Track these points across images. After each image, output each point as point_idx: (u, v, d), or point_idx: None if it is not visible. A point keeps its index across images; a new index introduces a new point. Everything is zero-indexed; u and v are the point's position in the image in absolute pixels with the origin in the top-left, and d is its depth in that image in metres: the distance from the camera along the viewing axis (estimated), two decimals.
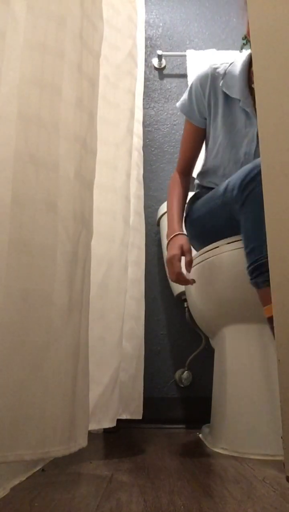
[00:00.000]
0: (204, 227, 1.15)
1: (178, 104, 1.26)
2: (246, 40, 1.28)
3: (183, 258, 1.22)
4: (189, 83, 1.76)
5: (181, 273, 1.06)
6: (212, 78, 1.16)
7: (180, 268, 1.06)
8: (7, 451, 0.53)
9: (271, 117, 0.64)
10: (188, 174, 1.32)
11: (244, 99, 1.10)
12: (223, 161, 1.17)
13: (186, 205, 1.28)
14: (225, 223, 1.05)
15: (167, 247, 1.14)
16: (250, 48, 0.99)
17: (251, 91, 1.11)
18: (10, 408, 0.53)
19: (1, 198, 0.58)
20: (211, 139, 1.21)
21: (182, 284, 1.09)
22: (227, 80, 1.13)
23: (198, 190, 1.27)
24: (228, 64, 1.15)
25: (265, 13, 0.67)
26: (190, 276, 1.17)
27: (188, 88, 1.22)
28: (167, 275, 1.15)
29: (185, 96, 1.23)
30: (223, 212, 1.05)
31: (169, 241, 1.14)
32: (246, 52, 1.18)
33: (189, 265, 1.06)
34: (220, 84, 1.14)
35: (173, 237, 1.13)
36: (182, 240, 1.10)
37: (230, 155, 1.15)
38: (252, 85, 1.11)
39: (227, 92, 1.13)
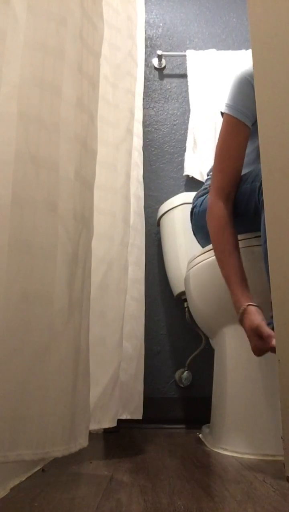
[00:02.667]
0: None
1: (223, 108, 1.06)
2: None
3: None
4: (190, 83, 1.77)
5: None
6: None
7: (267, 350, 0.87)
8: (8, 451, 0.53)
9: (271, 117, 0.64)
10: (232, 200, 1.03)
11: None
12: (250, 165, 1.12)
13: (194, 197, 1.26)
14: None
15: (243, 321, 0.91)
16: None
17: None
18: (10, 408, 0.53)
19: (1, 198, 0.58)
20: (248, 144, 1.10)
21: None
22: None
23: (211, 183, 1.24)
24: None
25: (265, 13, 0.67)
26: (193, 277, 1.14)
27: (236, 85, 1.05)
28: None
29: (231, 95, 1.05)
30: (236, 205, 1.04)
31: (239, 320, 0.92)
32: None
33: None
34: None
35: (241, 318, 0.92)
36: (253, 322, 0.88)
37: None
38: None
39: None
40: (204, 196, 1.20)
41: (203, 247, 1.24)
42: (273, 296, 0.64)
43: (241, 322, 0.92)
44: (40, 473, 0.77)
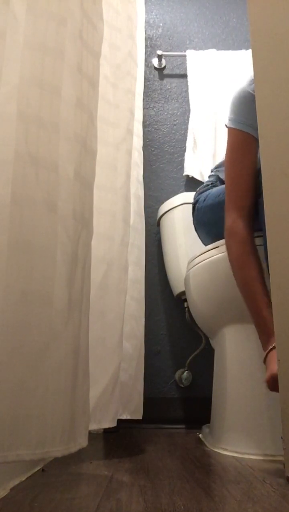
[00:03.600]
0: (217, 215, 1.05)
1: (228, 122, 1.03)
2: None
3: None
4: (190, 83, 1.77)
5: None
6: None
7: None
8: (7, 451, 0.53)
9: (271, 117, 0.64)
10: (252, 215, 0.97)
11: None
12: None
13: (195, 193, 1.25)
14: None
15: (265, 362, 0.84)
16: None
17: None
18: (10, 408, 0.53)
19: (1, 198, 0.58)
20: None
21: None
22: None
23: (213, 180, 1.24)
24: None
25: (265, 13, 0.67)
26: (193, 277, 1.13)
27: (238, 99, 1.02)
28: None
29: (234, 109, 1.02)
30: None
31: (266, 354, 0.84)
32: None
33: None
34: None
35: (272, 349, 0.83)
36: None
37: None
38: None
39: None
40: (207, 192, 1.19)
41: (204, 242, 1.24)
42: (273, 296, 0.64)
43: (268, 358, 0.83)
44: (40, 473, 0.77)
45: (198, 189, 1.26)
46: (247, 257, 0.92)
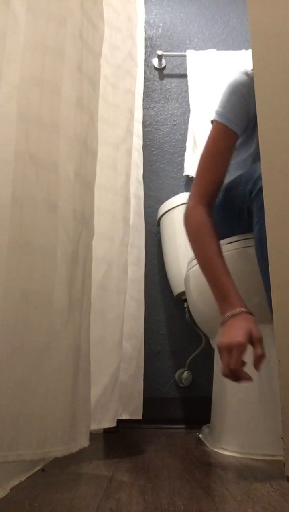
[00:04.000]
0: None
1: (213, 115, 1.04)
2: None
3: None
4: (190, 83, 1.77)
5: (240, 370, 0.79)
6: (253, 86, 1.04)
7: (241, 362, 0.79)
8: (8, 451, 0.53)
9: (271, 117, 0.64)
10: (212, 205, 1.02)
11: None
12: (246, 169, 1.10)
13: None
14: (231, 219, 1.04)
15: (223, 325, 0.85)
16: None
17: None
18: (10, 408, 0.53)
19: (1, 198, 0.58)
20: (242, 150, 1.12)
21: (234, 381, 0.81)
22: None
23: None
24: None
25: (265, 13, 0.67)
26: (193, 277, 1.13)
27: (227, 94, 1.04)
28: (221, 367, 0.81)
29: (223, 103, 1.04)
30: (231, 206, 1.03)
31: (227, 319, 0.85)
32: None
33: (259, 360, 0.78)
34: None
35: (235, 315, 0.84)
36: (251, 323, 0.81)
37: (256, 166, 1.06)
38: None
39: None
40: None
41: None
42: (273, 296, 0.64)
43: (229, 323, 0.84)
44: (40, 473, 0.77)
45: None
46: (207, 231, 0.96)
